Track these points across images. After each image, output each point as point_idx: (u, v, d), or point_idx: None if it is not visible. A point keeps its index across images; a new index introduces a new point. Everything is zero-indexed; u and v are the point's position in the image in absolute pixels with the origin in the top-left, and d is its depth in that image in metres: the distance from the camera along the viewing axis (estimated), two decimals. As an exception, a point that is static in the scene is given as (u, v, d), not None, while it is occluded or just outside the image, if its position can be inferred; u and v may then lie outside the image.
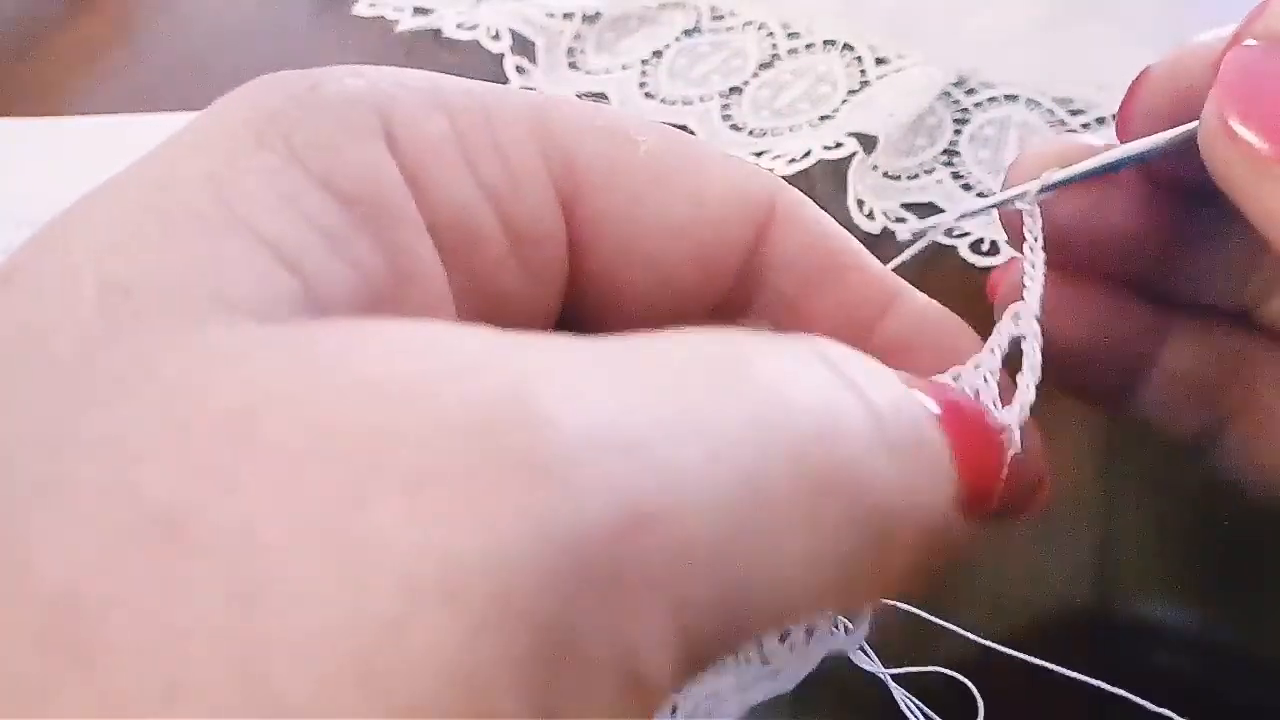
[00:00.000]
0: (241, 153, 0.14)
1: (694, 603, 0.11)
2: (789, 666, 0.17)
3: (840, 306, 0.19)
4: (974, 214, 0.22)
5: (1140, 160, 0.20)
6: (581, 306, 0.19)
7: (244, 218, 0.13)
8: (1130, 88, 0.21)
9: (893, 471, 0.13)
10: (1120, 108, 0.21)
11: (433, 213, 0.16)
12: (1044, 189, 0.20)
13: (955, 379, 0.18)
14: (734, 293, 0.19)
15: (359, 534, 0.10)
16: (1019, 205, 0.21)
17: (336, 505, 0.10)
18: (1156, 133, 0.20)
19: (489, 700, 0.10)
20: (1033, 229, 0.20)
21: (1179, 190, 0.21)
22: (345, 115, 0.15)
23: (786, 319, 0.19)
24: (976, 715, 0.23)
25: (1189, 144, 0.19)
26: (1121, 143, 0.21)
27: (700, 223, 0.18)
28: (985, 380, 0.18)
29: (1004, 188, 0.22)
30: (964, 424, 0.15)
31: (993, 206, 0.21)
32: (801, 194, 0.19)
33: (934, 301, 0.20)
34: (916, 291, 0.20)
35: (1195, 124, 0.19)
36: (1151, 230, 0.21)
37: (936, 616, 0.24)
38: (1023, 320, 0.19)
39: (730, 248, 0.18)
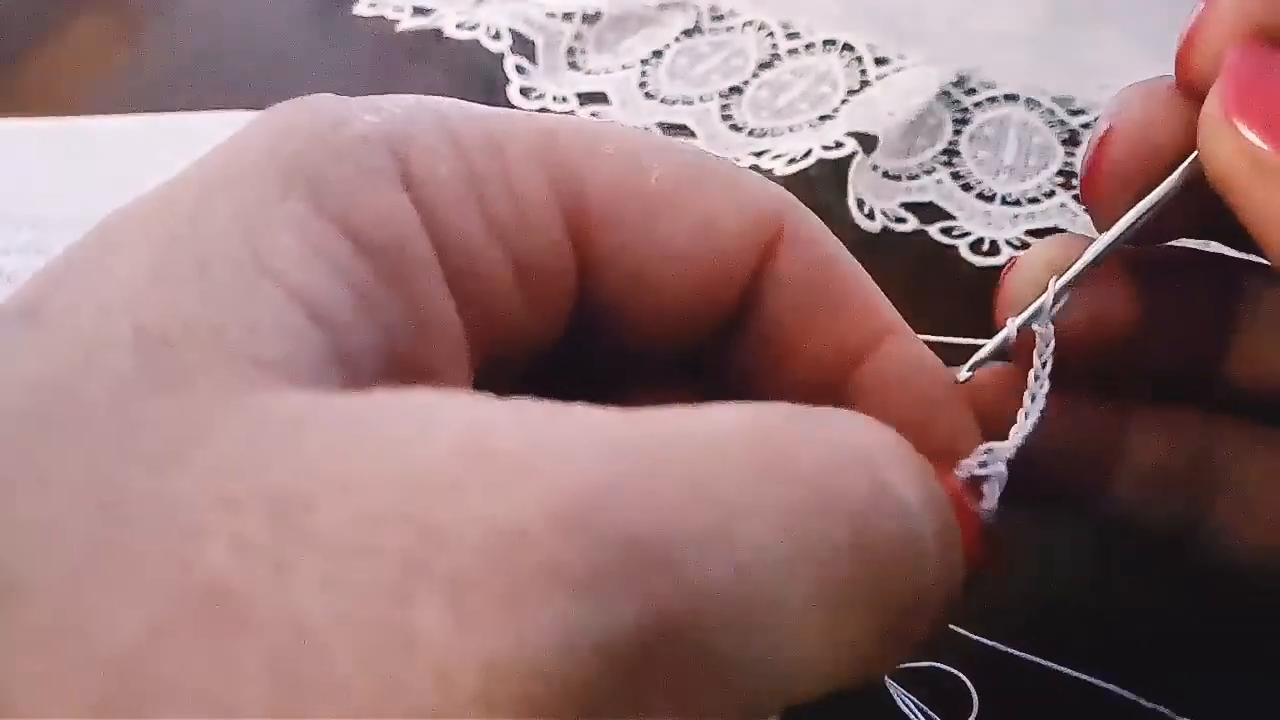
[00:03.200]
0: (269, 196, 0.14)
1: (711, 705, 0.11)
2: None
3: (833, 333, 0.19)
4: (992, 350, 0.20)
5: (1136, 230, 0.19)
6: (587, 328, 0.19)
7: (276, 271, 0.13)
8: (1095, 151, 0.20)
9: (918, 576, 0.14)
10: (1085, 172, 0.20)
11: (443, 253, 0.16)
12: (1057, 299, 0.19)
13: None
14: (735, 310, 0.19)
15: (403, 633, 0.10)
16: (1035, 327, 0.20)
17: (382, 601, 0.10)
18: (1126, 196, 0.19)
19: None
20: (1043, 352, 0.20)
21: (1146, 265, 0.21)
22: (366, 159, 0.15)
23: (780, 338, 0.19)
24: (971, 712, 0.23)
25: (1174, 199, 0.19)
26: (1086, 204, 0.20)
27: (708, 250, 0.18)
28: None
29: (1001, 302, 0.21)
30: (966, 519, 0.16)
31: (1013, 334, 0.20)
32: (811, 213, 0.19)
33: (926, 348, 0.20)
34: (911, 332, 0.20)
35: (1176, 177, 0.19)
36: (1143, 315, 0.21)
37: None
38: (991, 464, 0.18)
39: (736, 271, 0.18)
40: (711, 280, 0.18)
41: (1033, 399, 0.19)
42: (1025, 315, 0.20)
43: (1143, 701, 0.22)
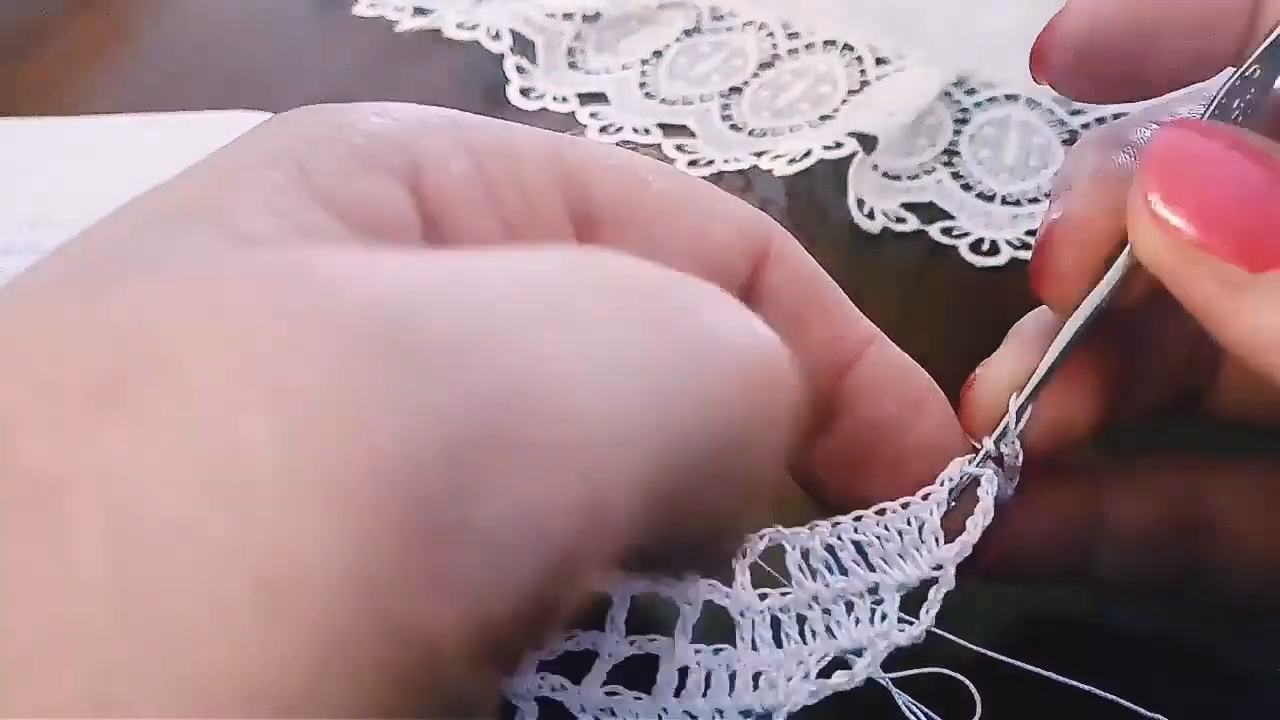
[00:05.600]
0: (246, 170, 0.14)
1: (548, 483, 0.11)
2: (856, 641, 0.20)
3: (820, 344, 0.20)
4: (962, 483, 0.21)
5: (1085, 333, 0.20)
6: None
7: (234, 215, 0.13)
8: (1039, 249, 0.20)
9: (763, 397, 0.14)
10: (1033, 269, 0.21)
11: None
12: (1019, 415, 0.20)
13: (904, 506, 0.19)
14: None
15: (231, 456, 0.10)
16: (1003, 450, 0.20)
17: (204, 431, 0.10)
18: (1076, 289, 0.20)
19: (389, 599, 0.10)
20: (1013, 471, 0.21)
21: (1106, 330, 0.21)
22: (364, 150, 0.15)
23: None
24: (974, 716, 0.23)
25: (1126, 279, 0.19)
26: (1038, 295, 0.21)
27: (705, 258, 0.19)
28: (932, 513, 0.20)
29: (965, 419, 0.22)
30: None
31: (993, 451, 0.21)
32: (793, 237, 0.20)
33: (905, 354, 0.20)
34: (889, 341, 0.20)
35: (1115, 271, 0.19)
36: (1107, 408, 0.21)
37: (934, 625, 0.24)
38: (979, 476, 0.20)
39: (729, 282, 0.19)
40: None
41: (991, 491, 0.20)
42: (994, 436, 0.20)
43: (1142, 711, 0.22)
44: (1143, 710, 0.23)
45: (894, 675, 0.23)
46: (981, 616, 0.25)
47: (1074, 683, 0.23)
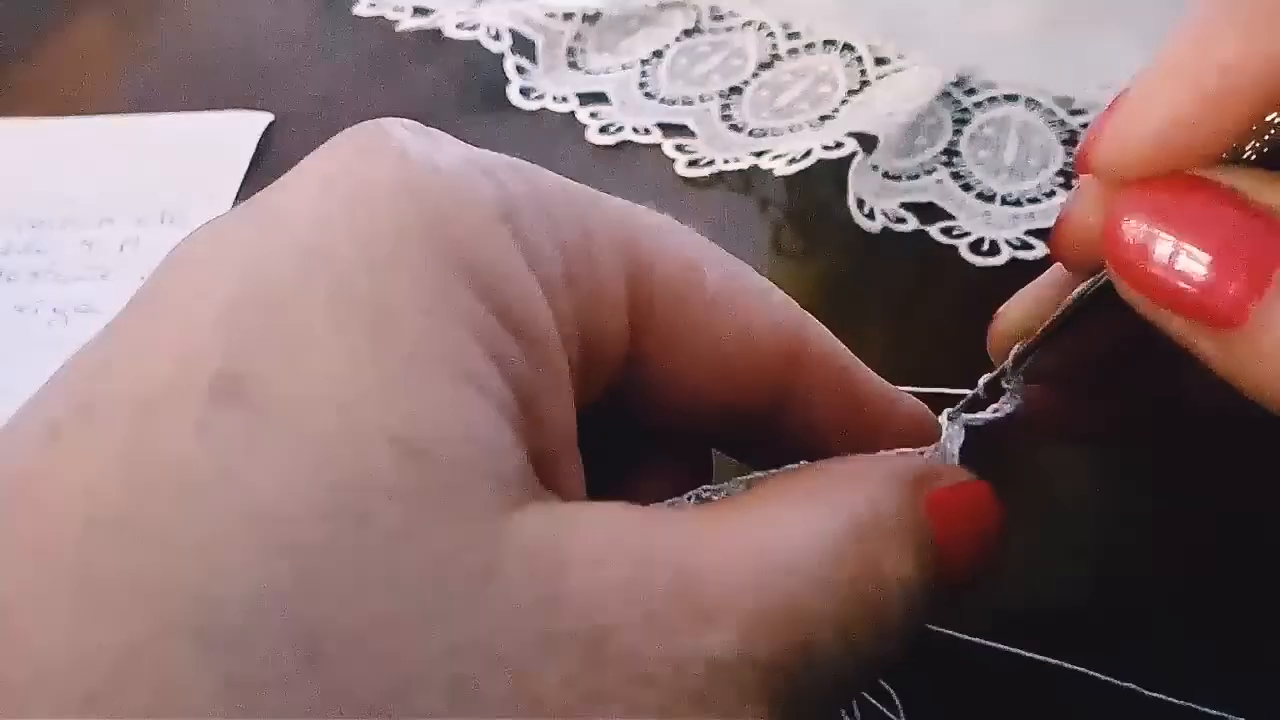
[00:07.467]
0: (440, 286, 0.14)
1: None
2: None
3: (862, 430, 0.21)
4: (964, 405, 0.22)
5: (1096, 298, 0.20)
6: (614, 398, 0.19)
7: (476, 377, 0.14)
8: (1054, 231, 0.21)
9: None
10: (1050, 240, 0.21)
11: None
12: (1020, 361, 0.21)
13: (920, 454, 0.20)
14: (768, 409, 0.20)
15: None
16: (1005, 385, 0.22)
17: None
18: (1081, 270, 0.20)
19: None
20: (1019, 392, 0.22)
21: None
22: (503, 238, 0.16)
23: (815, 437, 0.20)
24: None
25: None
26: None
27: (742, 357, 0.19)
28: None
29: (990, 347, 0.23)
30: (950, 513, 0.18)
31: (980, 393, 0.22)
32: (820, 324, 0.21)
33: (920, 402, 0.22)
34: (908, 395, 0.21)
35: (1100, 278, 0.19)
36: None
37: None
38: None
39: (764, 376, 0.19)
40: (741, 382, 0.19)
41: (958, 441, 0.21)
42: (990, 377, 0.22)
43: (1114, 681, 0.23)
44: (1114, 680, 0.23)
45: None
46: (980, 614, 0.25)
47: (1041, 657, 0.23)
